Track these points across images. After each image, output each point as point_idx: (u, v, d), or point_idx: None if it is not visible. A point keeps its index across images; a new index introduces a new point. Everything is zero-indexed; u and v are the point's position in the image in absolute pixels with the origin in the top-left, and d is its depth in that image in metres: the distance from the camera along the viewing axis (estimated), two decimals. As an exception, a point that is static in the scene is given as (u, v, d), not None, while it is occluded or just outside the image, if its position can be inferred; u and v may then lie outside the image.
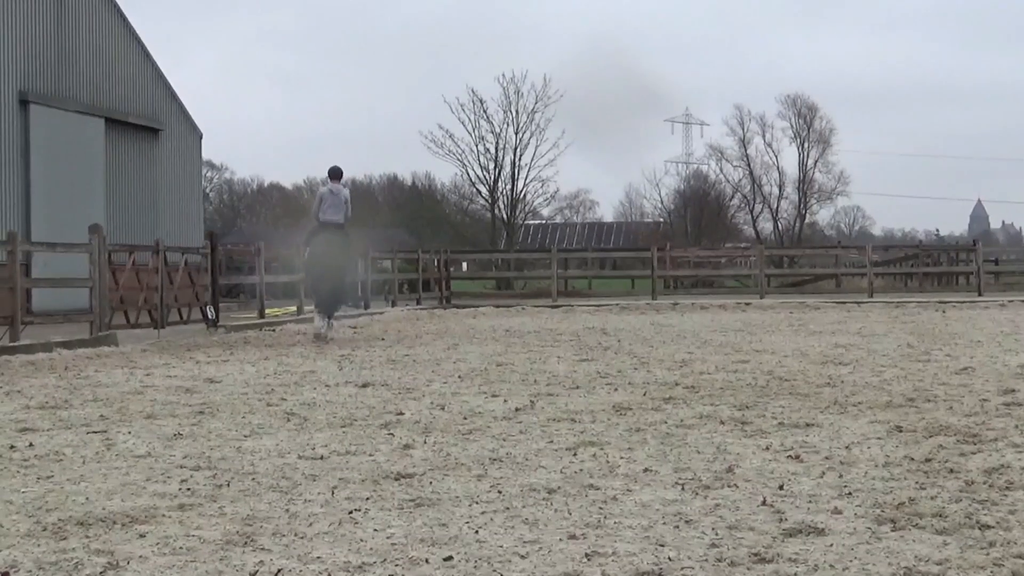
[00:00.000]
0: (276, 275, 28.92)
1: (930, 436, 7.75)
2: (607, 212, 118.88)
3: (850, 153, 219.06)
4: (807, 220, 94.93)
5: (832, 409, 9.20)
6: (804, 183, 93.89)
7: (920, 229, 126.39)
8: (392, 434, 8.20)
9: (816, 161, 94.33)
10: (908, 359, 13.20)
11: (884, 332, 18.19)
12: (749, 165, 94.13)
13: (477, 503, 5.76)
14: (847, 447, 7.28)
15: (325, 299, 19.25)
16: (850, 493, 5.90)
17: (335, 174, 19.73)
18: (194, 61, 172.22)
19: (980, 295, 31.78)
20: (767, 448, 7.26)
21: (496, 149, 65.08)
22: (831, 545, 4.86)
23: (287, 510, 5.70)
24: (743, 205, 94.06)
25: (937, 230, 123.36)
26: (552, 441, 7.71)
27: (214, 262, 23.43)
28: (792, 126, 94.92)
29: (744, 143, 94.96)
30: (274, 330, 21.24)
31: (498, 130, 65.08)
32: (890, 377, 11.36)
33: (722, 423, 8.54)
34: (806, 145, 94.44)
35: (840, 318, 22.37)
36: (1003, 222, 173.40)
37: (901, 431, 8.00)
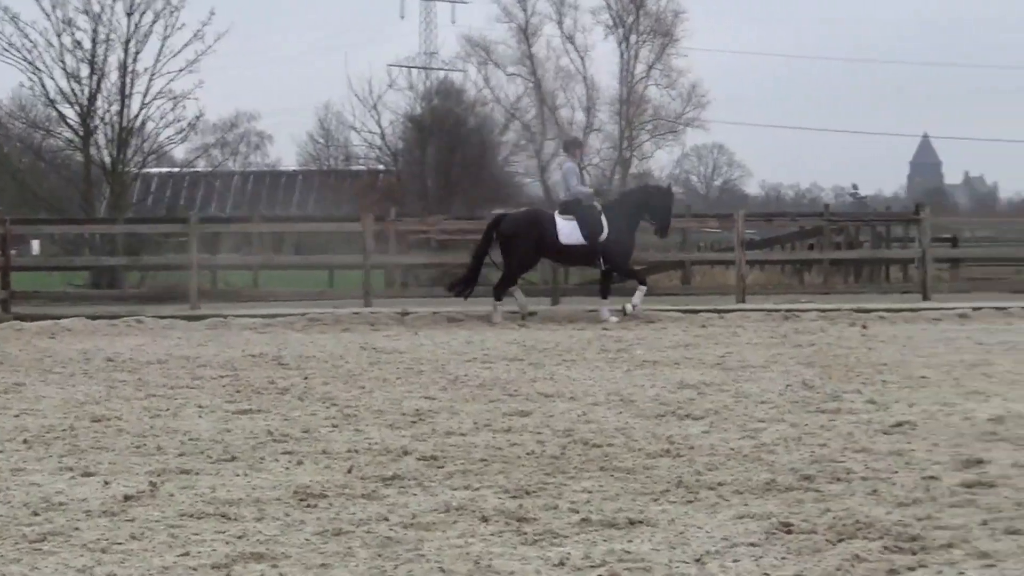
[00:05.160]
0: None
1: (840, 540, 5.30)
2: (288, 153, 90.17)
3: (710, 55, 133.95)
4: (633, 168, 61.57)
5: (674, 495, 6.35)
6: (629, 105, 60.78)
7: (827, 186, 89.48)
8: None
9: (651, 67, 60.86)
10: (804, 408, 9.35)
11: (763, 362, 12.68)
12: (535, 73, 60.74)
13: None
14: (699, 560, 5.06)
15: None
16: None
17: (564, 146, 20.81)
18: None
19: (926, 298, 21.28)
20: (562, 564, 5.08)
21: (94, 41, 36.46)
22: None
23: None
24: (525, 142, 60.82)
25: (855, 187, 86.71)
26: (188, 553, 5.23)
27: None
28: (610, 5, 59.64)
29: (527, 34, 60.37)
30: None
31: (97, 8, 35.93)
32: (773, 439, 7.95)
33: (484, 520, 5.87)
34: (633, 38, 60.76)
35: (689, 338, 15.74)
36: (966, 174, 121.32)
37: (790, 532, 5.48)
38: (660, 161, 69.92)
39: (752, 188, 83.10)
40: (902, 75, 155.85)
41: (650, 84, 60.84)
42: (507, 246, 18.82)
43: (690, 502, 6.06)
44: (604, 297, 18.84)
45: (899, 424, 8.23)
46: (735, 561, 4.97)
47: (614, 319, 17.85)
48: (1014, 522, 5.35)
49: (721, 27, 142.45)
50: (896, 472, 6.61)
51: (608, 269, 18.91)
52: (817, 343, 14.29)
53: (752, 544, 5.22)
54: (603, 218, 18.55)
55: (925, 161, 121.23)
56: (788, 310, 18.42)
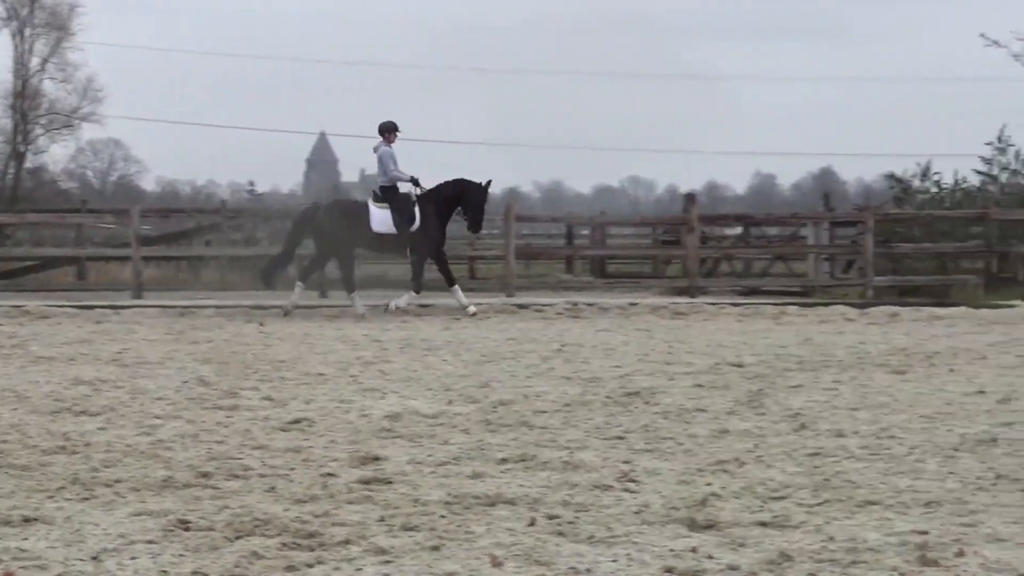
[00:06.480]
0: None
1: (238, 537, 5.19)
2: None
3: (108, 49, 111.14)
4: (28, 163, 57.49)
5: (70, 492, 5.97)
6: (24, 98, 56.71)
7: (223, 182, 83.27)
8: None
9: (46, 60, 56.69)
10: (200, 405, 9.03)
11: (160, 359, 12.09)
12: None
13: None
14: (95, 558, 4.84)
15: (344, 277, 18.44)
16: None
17: (379, 129, 18.83)
18: None
19: (324, 296, 20.81)
20: (-52, 564, 4.67)
21: None
22: None
23: None
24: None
25: (252, 184, 78.70)
26: None
27: None
28: (6, -1, 54.63)
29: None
30: None
31: None
32: (170, 436, 7.60)
33: None
34: (28, 31, 56.51)
35: (84, 334, 14.82)
36: (362, 171, 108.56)
37: (188, 529, 5.32)
38: (55, 156, 65.74)
39: (149, 184, 78.63)
40: (300, 72, 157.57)
41: (45, 78, 56.67)
42: (323, 238, 17.81)
43: (86, 499, 5.80)
44: (450, 285, 18.13)
45: (297, 421, 8.12)
46: (132, 559, 4.81)
47: (406, 305, 17.52)
48: (410, 518, 5.38)
49: (121, 22, 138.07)
50: (294, 469, 6.55)
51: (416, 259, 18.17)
52: (214, 340, 14.00)
53: (150, 541, 5.08)
54: (416, 208, 17.75)
55: (322, 158, 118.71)
56: (185, 307, 17.92)
